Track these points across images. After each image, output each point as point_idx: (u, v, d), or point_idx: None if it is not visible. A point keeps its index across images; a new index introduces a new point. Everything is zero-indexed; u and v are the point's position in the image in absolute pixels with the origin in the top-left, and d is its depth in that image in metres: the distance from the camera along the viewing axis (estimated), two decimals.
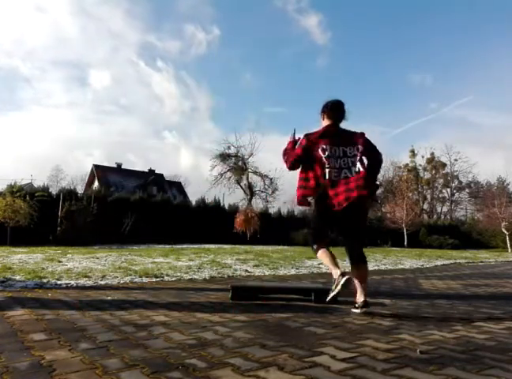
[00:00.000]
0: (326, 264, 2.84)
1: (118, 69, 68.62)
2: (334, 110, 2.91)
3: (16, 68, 61.91)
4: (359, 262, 2.74)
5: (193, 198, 24.60)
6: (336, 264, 2.69)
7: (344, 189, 2.65)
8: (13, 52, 61.33)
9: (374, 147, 2.87)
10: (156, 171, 40.17)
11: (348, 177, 2.68)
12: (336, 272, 2.63)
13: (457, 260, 9.55)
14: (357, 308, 2.61)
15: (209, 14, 63.14)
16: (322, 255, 2.81)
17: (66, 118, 67.68)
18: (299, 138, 2.92)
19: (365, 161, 2.71)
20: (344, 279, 2.54)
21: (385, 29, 59.31)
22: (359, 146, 2.77)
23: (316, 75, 64.50)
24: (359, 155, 2.74)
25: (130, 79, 68.17)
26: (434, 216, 38.08)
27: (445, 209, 41.02)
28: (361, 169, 2.70)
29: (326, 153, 2.72)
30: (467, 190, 40.14)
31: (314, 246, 2.87)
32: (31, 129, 66.26)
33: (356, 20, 60.50)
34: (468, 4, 54.30)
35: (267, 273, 5.34)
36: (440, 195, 41.03)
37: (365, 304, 2.57)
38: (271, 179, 21.21)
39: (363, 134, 2.90)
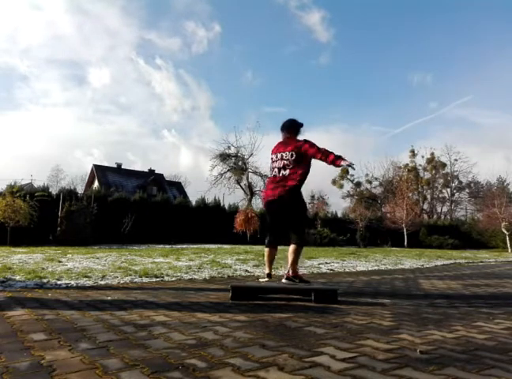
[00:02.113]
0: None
1: (116, 67, 68.46)
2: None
3: (12, 66, 61.67)
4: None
5: (193, 198, 24.57)
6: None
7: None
8: (9, 50, 61.06)
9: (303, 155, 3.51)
10: (156, 171, 40.18)
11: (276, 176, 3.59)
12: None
13: (457, 260, 9.55)
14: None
15: (208, 11, 62.95)
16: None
17: (65, 117, 67.45)
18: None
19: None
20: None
21: (385, 29, 59.31)
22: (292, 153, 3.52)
23: (317, 74, 64.54)
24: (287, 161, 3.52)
25: (129, 77, 67.99)
26: (434, 216, 38.06)
27: (445, 209, 41.01)
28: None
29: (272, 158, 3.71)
30: (467, 190, 40.10)
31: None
32: (29, 129, 66.09)
33: (356, 19, 60.48)
34: (468, 3, 54.27)
35: None
36: (440, 195, 40.99)
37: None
38: None
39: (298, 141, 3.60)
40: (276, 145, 3.75)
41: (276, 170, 3.59)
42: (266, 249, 3.71)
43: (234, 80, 68.86)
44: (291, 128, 3.74)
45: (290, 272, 3.51)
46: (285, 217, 3.57)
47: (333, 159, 3.30)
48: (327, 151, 3.38)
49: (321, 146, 3.45)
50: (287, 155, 3.53)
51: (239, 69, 67.42)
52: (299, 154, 3.48)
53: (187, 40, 64.44)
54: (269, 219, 3.74)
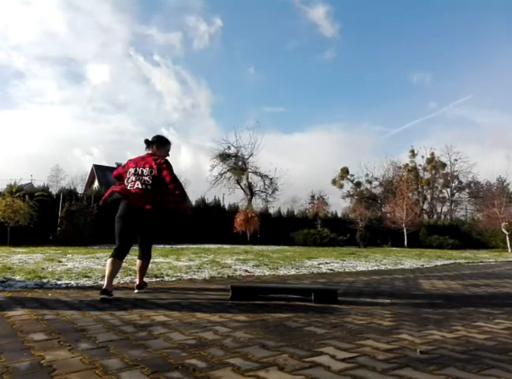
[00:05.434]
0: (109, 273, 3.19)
1: (114, 64, 67.43)
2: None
3: (5, 64, 60.98)
4: (143, 258, 3.70)
5: (193, 198, 24.52)
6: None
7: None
8: (2, 48, 60.36)
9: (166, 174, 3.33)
10: None
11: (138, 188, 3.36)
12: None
13: (457, 260, 9.55)
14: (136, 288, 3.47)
15: (207, 6, 62.30)
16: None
17: (62, 115, 66.18)
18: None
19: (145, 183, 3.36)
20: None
21: (384, 28, 59.17)
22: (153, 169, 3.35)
23: (318, 73, 64.18)
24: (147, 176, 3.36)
25: (128, 75, 67.12)
26: (434, 216, 38.06)
27: (445, 209, 40.99)
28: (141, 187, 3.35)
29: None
30: (467, 190, 40.11)
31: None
32: (27, 128, 65.04)
33: (358, 17, 60.22)
34: (468, 3, 54.22)
35: (267, 273, 5.34)
36: (440, 195, 40.99)
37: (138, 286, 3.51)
38: (271, 179, 21.24)
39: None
40: (136, 159, 3.50)
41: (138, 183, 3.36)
42: (111, 260, 3.24)
43: (235, 77, 68.20)
44: (159, 143, 3.55)
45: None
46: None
47: (179, 201, 3.39)
48: (181, 188, 3.36)
49: None
50: (147, 171, 3.37)
51: (241, 66, 66.70)
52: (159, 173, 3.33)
53: (188, 35, 63.44)
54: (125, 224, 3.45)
